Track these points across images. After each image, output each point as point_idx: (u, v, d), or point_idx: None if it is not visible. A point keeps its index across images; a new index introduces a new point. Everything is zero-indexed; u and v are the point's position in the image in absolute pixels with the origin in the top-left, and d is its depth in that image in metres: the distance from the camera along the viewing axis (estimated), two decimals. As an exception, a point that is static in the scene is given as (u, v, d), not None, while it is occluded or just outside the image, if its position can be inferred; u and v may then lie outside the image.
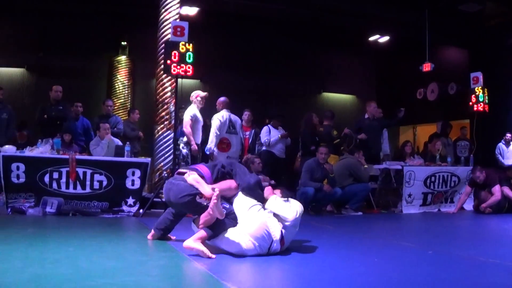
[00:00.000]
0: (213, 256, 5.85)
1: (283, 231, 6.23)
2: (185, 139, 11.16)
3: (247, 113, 13.44)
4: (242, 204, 6.36)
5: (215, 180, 6.54)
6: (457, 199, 13.01)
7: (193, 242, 5.91)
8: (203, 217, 5.99)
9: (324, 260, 6.13)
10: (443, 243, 7.91)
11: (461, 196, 12.86)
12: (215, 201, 5.89)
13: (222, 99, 11.95)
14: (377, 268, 5.74)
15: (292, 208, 6.36)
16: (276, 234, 6.15)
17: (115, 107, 15.71)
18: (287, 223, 6.27)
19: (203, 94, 11.46)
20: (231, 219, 6.17)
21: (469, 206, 13.03)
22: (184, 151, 11.12)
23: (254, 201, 6.42)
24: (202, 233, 6.00)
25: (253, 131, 13.52)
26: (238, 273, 5.55)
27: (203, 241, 5.99)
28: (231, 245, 6.10)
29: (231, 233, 6.11)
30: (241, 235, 6.06)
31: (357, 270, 5.58)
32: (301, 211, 6.46)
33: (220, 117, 11.55)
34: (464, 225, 11.06)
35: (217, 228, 6.06)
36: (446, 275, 5.37)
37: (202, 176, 6.42)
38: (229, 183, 6.48)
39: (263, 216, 6.25)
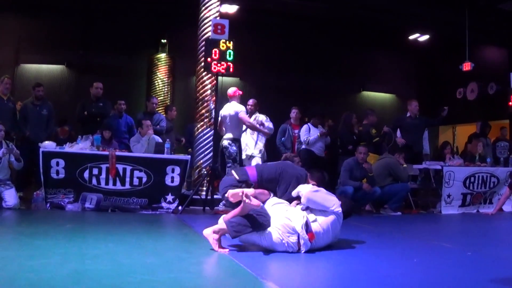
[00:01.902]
0: (222, 251, 6.01)
1: (312, 224, 6.20)
2: (228, 136, 11.26)
3: (295, 111, 13.44)
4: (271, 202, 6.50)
5: (259, 182, 6.78)
6: (496, 200, 12.83)
7: (211, 233, 6.10)
8: (233, 213, 6.14)
9: (363, 260, 6.11)
10: (482, 244, 7.81)
11: (500, 198, 12.68)
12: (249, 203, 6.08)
13: (255, 100, 12.28)
14: (417, 269, 5.69)
15: (330, 196, 6.50)
16: (297, 226, 6.11)
17: (155, 105, 15.85)
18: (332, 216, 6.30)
19: (240, 91, 11.61)
20: (262, 218, 6.18)
21: (508, 207, 12.84)
22: (233, 148, 11.15)
23: (278, 200, 6.58)
24: (223, 225, 6.10)
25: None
26: (277, 271, 5.58)
27: (222, 234, 6.12)
28: (262, 239, 6.17)
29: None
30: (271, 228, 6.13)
31: (397, 271, 5.56)
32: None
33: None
34: (503, 226, 10.99)
35: (245, 224, 6.13)
36: (485, 276, 5.30)
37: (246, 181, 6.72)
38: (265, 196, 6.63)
39: (281, 207, 6.39)
